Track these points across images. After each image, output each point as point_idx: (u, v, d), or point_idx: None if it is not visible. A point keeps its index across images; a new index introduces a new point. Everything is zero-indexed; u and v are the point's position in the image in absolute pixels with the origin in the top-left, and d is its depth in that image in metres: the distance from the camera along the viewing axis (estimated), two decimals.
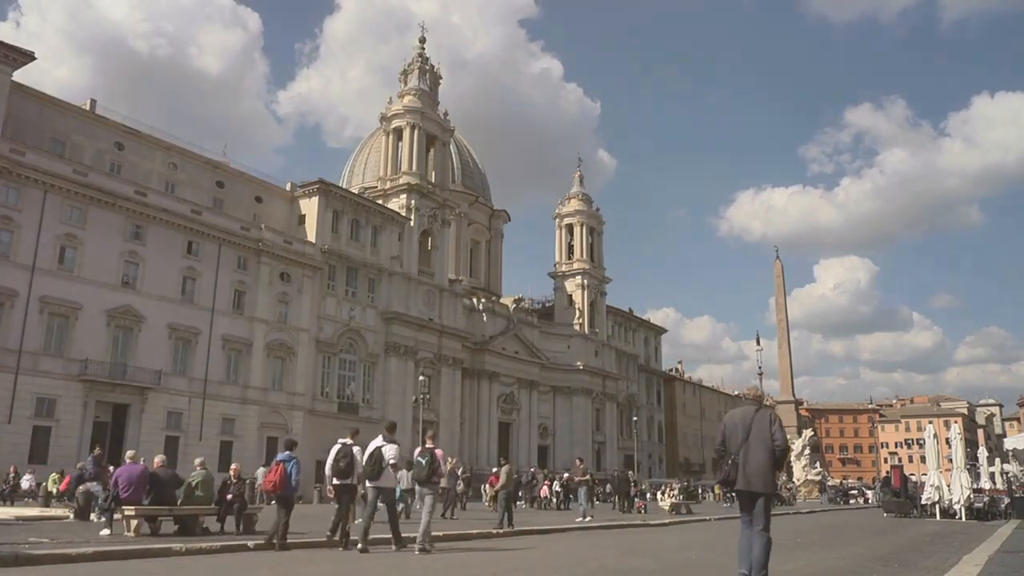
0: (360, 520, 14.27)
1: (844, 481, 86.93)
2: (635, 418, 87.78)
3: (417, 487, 14.49)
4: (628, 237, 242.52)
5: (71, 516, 20.84)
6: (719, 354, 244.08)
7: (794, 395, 77.06)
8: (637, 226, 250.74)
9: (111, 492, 16.13)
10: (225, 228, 54.20)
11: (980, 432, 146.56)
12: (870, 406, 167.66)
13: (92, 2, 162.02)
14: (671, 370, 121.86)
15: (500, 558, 13.62)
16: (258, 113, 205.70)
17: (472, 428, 74.83)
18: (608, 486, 49.80)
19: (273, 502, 14.63)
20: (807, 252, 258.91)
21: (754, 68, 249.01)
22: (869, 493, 65.14)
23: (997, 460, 48.14)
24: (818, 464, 72.75)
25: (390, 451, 13.42)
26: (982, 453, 49.85)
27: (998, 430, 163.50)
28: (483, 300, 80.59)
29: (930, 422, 53.90)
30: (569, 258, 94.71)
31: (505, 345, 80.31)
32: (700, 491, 57.92)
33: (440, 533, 15.70)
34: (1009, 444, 51.49)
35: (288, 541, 13.60)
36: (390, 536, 13.74)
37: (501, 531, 19.28)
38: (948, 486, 31.19)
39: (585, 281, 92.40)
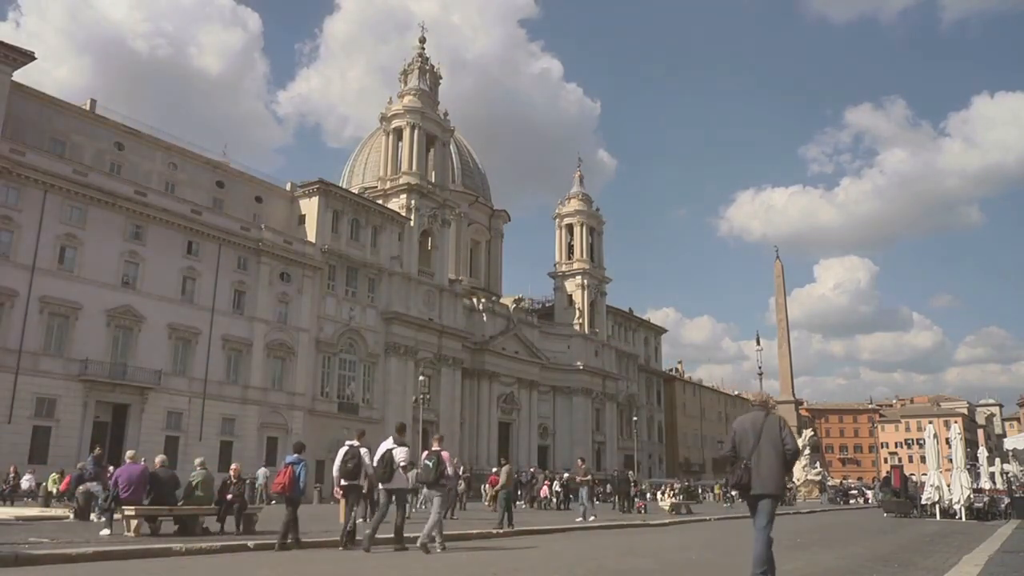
0: (361, 520, 14.27)
1: (844, 481, 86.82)
2: (635, 418, 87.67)
3: (425, 489, 14.49)
4: (628, 237, 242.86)
5: (71, 516, 20.86)
6: (719, 354, 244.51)
7: (794, 395, 76.88)
8: (637, 226, 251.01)
9: (111, 492, 16.16)
10: (225, 228, 54.22)
11: (980, 432, 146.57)
12: (870, 406, 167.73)
13: (92, 2, 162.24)
14: (671, 370, 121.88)
15: (500, 558, 13.62)
16: (258, 113, 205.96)
17: (472, 428, 74.86)
18: (608, 486, 49.81)
19: (274, 502, 14.66)
20: (807, 252, 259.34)
21: (754, 68, 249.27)
22: (869, 493, 65.05)
23: (997, 460, 48.08)
24: (818, 464, 72.62)
25: (400, 453, 13.44)
26: (982, 453, 49.83)
27: (998, 430, 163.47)
28: (483, 300, 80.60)
29: (930, 422, 53.91)
30: (569, 258, 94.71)
31: (505, 345, 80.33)
32: (700, 491, 57.92)
33: None
34: (1009, 444, 51.47)
35: (288, 540, 13.62)
36: (390, 536, 13.73)
37: (501, 531, 19.27)
38: (948, 486, 31.18)
39: (585, 281, 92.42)
